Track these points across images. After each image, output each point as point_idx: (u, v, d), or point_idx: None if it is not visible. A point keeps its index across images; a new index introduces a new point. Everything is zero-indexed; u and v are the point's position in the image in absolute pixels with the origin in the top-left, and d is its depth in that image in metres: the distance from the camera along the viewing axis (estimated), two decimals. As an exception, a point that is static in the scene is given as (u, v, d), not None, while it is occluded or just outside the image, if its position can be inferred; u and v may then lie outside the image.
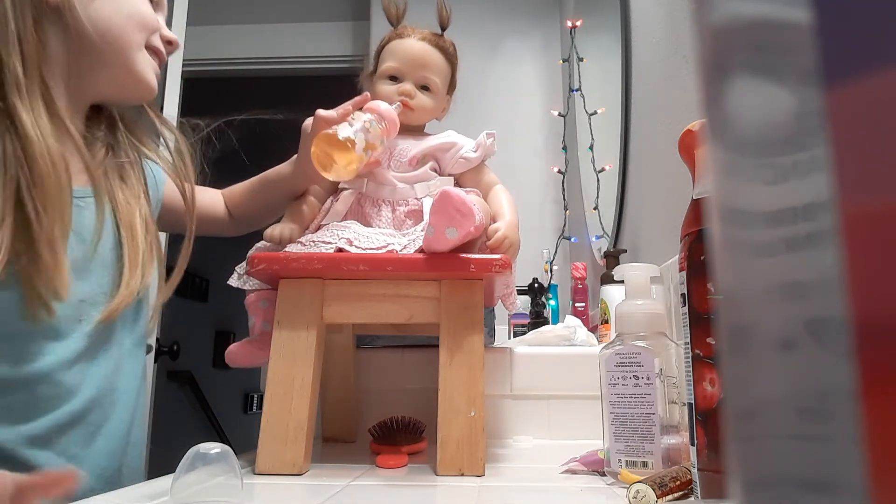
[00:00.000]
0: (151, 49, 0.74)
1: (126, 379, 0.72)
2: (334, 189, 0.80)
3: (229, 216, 0.92)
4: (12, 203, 0.59)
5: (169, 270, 0.78)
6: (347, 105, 0.75)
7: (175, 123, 0.83)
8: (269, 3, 2.70)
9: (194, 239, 0.80)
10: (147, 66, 0.74)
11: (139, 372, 0.75)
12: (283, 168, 0.84)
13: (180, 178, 0.80)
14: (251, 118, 0.85)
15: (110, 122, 0.77)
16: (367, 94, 0.77)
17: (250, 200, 0.90)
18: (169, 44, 0.77)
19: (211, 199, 0.91)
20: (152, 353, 1.81)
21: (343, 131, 0.67)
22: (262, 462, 0.60)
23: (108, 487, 0.64)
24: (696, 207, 0.47)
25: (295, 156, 0.82)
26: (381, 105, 0.74)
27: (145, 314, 0.77)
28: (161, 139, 0.81)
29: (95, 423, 0.67)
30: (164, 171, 0.83)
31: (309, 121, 0.77)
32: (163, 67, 0.77)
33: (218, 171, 0.87)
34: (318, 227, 0.74)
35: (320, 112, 0.74)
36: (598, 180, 1.67)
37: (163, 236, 0.86)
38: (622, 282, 0.61)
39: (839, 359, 0.10)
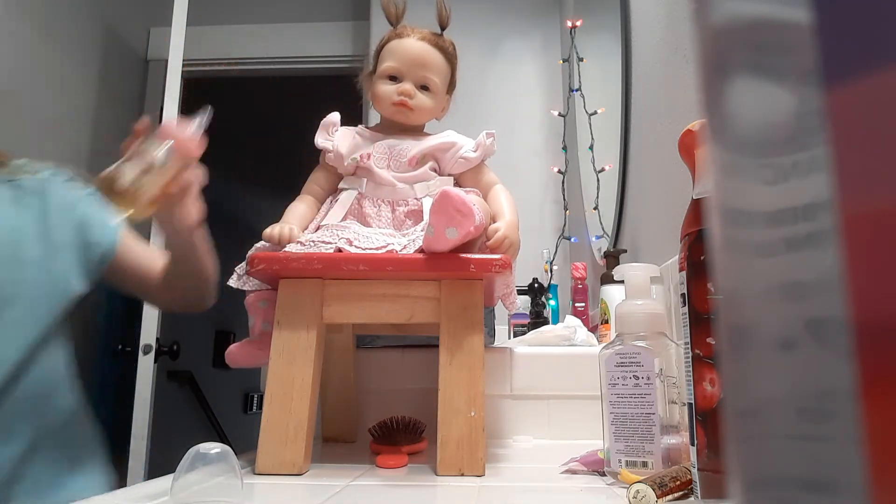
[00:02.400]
0: None
1: None
2: (334, 189, 0.80)
3: (159, 279, 0.91)
4: None
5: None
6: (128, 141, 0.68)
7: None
8: (269, 3, 2.69)
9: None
10: None
11: None
12: None
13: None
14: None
15: None
16: (147, 119, 0.70)
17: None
18: None
19: (151, 257, 0.91)
20: (152, 354, 1.82)
21: (124, 176, 0.62)
22: (262, 462, 0.60)
23: None
24: (696, 207, 0.47)
25: None
26: (175, 128, 0.68)
27: None
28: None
29: None
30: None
31: None
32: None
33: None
34: (318, 227, 0.74)
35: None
36: (598, 180, 1.66)
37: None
38: (622, 282, 0.61)
39: (839, 359, 0.10)
